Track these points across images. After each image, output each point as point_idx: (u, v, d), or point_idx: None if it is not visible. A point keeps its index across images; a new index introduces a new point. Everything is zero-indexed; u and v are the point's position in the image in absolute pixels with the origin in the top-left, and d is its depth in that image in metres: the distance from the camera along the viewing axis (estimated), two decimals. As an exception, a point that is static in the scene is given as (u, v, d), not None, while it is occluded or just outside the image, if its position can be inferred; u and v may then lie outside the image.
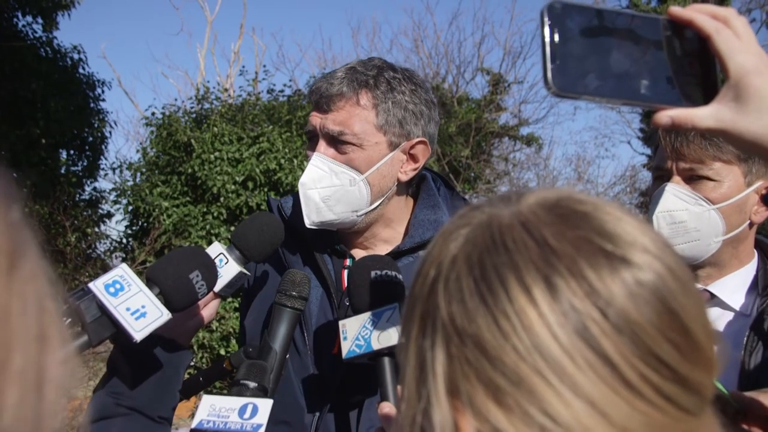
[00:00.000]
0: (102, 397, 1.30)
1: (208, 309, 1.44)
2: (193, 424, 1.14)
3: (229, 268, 1.40)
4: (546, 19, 0.82)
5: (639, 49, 0.87)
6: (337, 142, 1.54)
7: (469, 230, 0.65)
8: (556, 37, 0.82)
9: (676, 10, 0.88)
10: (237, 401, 1.17)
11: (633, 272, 0.60)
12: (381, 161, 1.56)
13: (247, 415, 1.14)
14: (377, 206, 1.60)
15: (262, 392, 1.22)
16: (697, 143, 1.50)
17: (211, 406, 1.16)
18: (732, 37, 0.86)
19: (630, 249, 0.61)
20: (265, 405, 1.16)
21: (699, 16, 0.87)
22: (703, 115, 0.87)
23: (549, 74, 0.82)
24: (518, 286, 0.60)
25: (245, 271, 1.44)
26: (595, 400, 0.57)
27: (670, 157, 1.55)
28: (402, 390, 0.67)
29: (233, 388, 1.22)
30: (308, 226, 1.56)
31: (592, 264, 0.60)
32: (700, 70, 0.89)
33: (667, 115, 0.88)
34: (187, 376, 1.41)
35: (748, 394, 1.09)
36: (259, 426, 1.13)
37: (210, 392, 1.21)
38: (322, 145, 1.55)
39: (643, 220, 0.66)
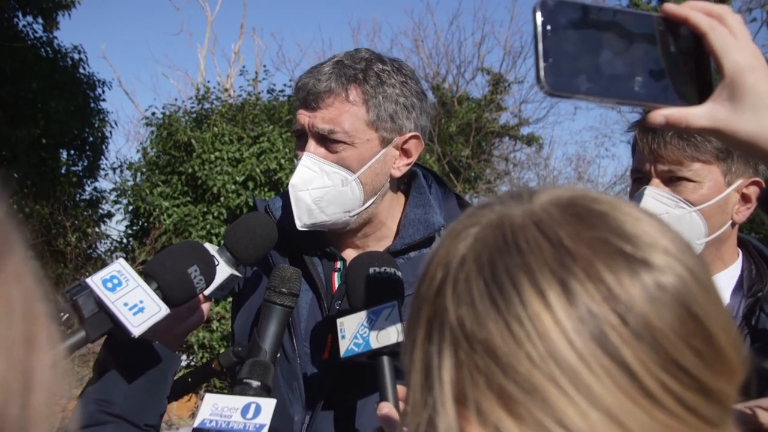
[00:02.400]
0: (87, 405, 1.27)
1: (199, 312, 1.40)
2: (196, 423, 1.13)
3: (220, 271, 1.36)
4: (538, 15, 0.80)
5: (633, 48, 0.86)
6: (327, 140, 1.48)
7: (479, 229, 0.62)
8: (549, 35, 0.80)
9: (670, 7, 0.87)
10: (240, 400, 1.15)
11: (653, 275, 0.57)
12: (373, 158, 1.50)
13: (250, 414, 1.13)
14: (370, 205, 1.54)
15: (265, 391, 1.20)
16: (675, 144, 1.47)
17: (214, 405, 1.15)
18: (727, 34, 0.85)
19: (650, 251, 0.58)
20: (268, 405, 1.14)
21: (694, 13, 0.86)
22: (697, 114, 0.86)
23: (542, 73, 0.79)
24: (532, 290, 0.57)
25: (237, 273, 1.40)
26: (612, 410, 0.54)
27: (648, 159, 1.51)
28: (407, 396, 0.64)
29: (236, 387, 1.20)
30: (300, 228, 1.50)
31: (611, 266, 0.57)
32: (695, 69, 0.88)
33: (661, 114, 0.86)
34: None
35: (736, 406, 1.08)
36: (262, 426, 1.12)
37: (212, 391, 1.20)
38: (311, 144, 1.49)
39: (662, 221, 0.62)
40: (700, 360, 0.57)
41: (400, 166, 1.56)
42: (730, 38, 0.85)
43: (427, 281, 0.64)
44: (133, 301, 1.14)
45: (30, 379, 0.47)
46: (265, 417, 1.13)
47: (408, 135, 1.53)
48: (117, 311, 1.12)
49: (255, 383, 1.20)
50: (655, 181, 1.51)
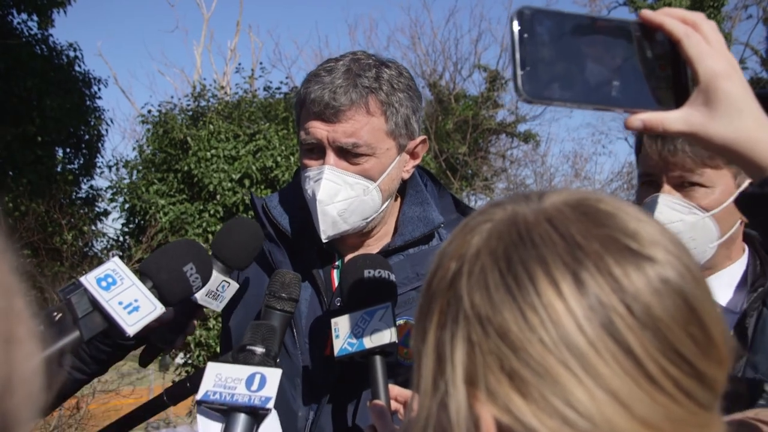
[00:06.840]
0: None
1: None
2: (199, 396, 1.10)
3: (212, 279, 1.36)
4: (515, 24, 0.82)
5: (610, 53, 0.87)
6: (348, 153, 1.48)
7: (492, 225, 0.66)
8: (526, 43, 0.82)
9: (647, 13, 0.89)
10: (244, 370, 1.12)
11: (657, 269, 0.62)
12: (391, 165, 1.52)
13: (254, 386, 1.10)
14: (384, 208, 1.56)
15: (270, 359, 1.17)
16: (685, 151, 1.45)
17: (217, 375, 1.12)
18: (701, 41, 0.88)
19: (653, 248, 0.63)
20: (273, 375, 1.11)
21: (669, 20, 0.88)
22: (673, 119, 0.88)
23: (519, 81, 0.82)
24: (546, 280, 0.61)
25: (228, 279, 1.40)
26: (618, 392, 0.58)
27: (658, 165, 1.50)
28: (417, 387, 0.67)
29: (239, 354, 1.17)
30: (324, 240, 1.50)
31: (618, 261, 0.62)
32: (671, 74, 0.90)
33: (638, 119, 0.89)
34: (179, 379, 1.37)
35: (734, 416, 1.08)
36: (269, 399, 1.09)
37: (216, 359, 1.17)
38: (331, 157, 1.48)
39: (659, 222, 0.68)
40: (696, 347, 0.61)
41: (409, 169, 1.60)
42: (704, 45, 0.88)
43: (441, 274, 0.67)
44: (128, 299, 1.14)
45: (11, 375, 0.46)
46: (271, 389, 1.09)
47: (419, 139, 1.58)
48: (111, 310, 1.12)
49: (259, 350, 1.17)
50: (667, 187, 1.49)
